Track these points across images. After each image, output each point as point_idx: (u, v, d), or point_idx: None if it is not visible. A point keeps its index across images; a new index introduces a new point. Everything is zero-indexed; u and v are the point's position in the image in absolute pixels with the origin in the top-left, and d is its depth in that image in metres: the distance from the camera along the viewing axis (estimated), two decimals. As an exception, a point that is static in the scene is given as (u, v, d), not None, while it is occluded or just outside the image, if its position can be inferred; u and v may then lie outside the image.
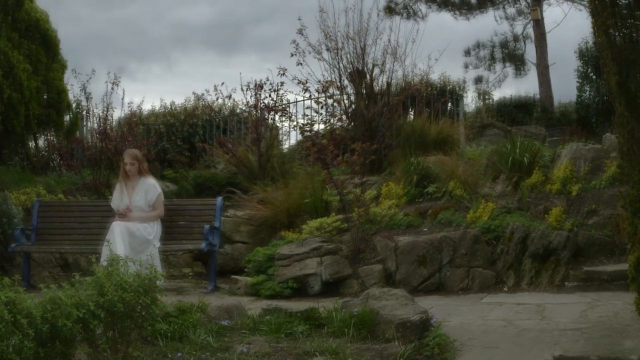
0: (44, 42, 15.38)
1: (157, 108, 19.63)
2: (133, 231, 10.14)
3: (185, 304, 7.19)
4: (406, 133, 14.47)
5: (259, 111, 15.19)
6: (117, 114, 16.76)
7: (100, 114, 15.75)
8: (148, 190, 10.59)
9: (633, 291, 6.10)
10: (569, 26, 45.85)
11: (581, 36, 23.92)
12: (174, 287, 10.62)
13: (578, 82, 22.11)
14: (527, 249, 9.86)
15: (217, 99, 16.66)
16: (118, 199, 10.68)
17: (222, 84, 15.90)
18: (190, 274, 12.33)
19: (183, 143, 17.86)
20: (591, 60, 20.98)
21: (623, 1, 5.48)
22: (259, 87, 14.99)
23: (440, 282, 9.93)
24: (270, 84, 14.99)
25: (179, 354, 6.13)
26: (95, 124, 16.70)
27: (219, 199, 11.37)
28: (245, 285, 10.30)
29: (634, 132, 5.55)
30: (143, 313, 5.78)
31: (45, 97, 15.57)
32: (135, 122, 16.27)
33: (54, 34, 15.70)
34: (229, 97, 16.49)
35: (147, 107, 19.75)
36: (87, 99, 16.35)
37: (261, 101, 15.04)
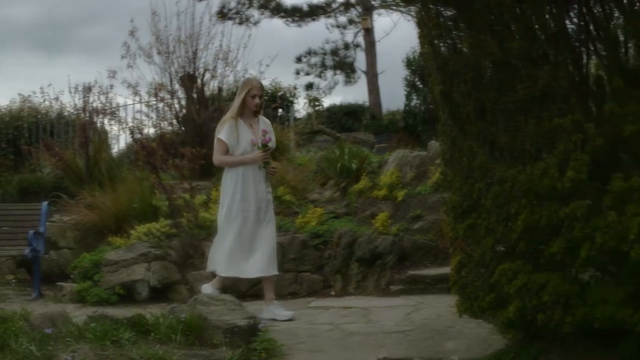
0: None
1: (-21, 109, 18.96)
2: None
3: (6, 312, 6.93)
4: (237, 138, 14.45)
5: (87, 114, 14.87)
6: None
7: None
8: (271, 130, 8.61)
9: (454, 294, 6.27)
10: (398, 36, 47.00)
11: (410, 45, 24.59)
12: (-5, 295, 10.25)
13: (406, 90, 22.70)
14: (354, 253, 10.01)
15: (44, 101, 16.27)
16: (237, 136, 8.33)
17: (49, 85, 15.57)
18: (14, 280, 11.88)
19: (8, 146, 17.28)
20: (418, 70, 21.59)
21: (448, 13, 5.63)
22: (88, 89, 14.68)
23: (269, 287, 9.95)
24: (100, 86, 14.73)
25: (-1, 364, 5.92)
26: None
27: (44, 204, 11.08)
28: (70, 292, 10.03)
29: (456, 140, 5.70)
30: (-41, 322, 5.56)
31: None
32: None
33: None
34: (57, 99, 16.10)
35: (-31, 108, 19.05)
36: None
37: (89, 104, 14.73)
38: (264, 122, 8.55)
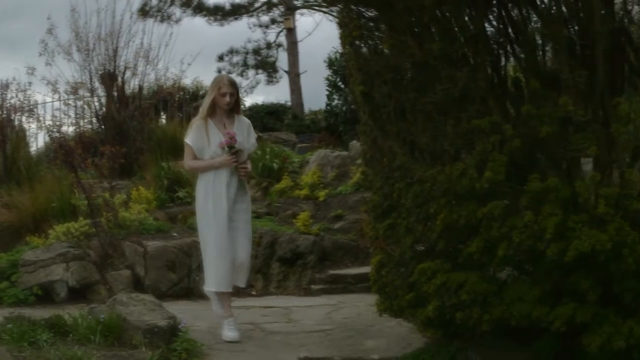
0: None
1: None
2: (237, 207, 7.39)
3: None
4: (157, 137, 14.37)
5: (5, 112, 14.61)
6: None
7: None
8: (250, 131, 7.57)
9: (375, 293, 6.32)
10: (321, 36, 46.98)
11: (331, 46, 24.64)
12: None
13: (328, 90, 22.70)
14: (276, 253, 10.02)
15: (-40, 97, 15.89)
16: (207, 138, 7.36)
17: (-36, 82, 15.20)
18: None
19: None
20: (340, 70, 21.60)
21: (369, 14, 5.66)
22: (5, 86, 14.42)
23: (189, 287, 9.87)
24: (17, 83, 14.48)
25: None
26: None
27: (-41, 203, 10.88)
28: (-14, 293, 9.85)
29: (377, 140, 5.75)
30: None
31: None
32: None
33: None
34: (-28, 96, 15.74)
35: None
36: None
37: (7, 101, 14.48)
38: (239, 122, 7.51)
